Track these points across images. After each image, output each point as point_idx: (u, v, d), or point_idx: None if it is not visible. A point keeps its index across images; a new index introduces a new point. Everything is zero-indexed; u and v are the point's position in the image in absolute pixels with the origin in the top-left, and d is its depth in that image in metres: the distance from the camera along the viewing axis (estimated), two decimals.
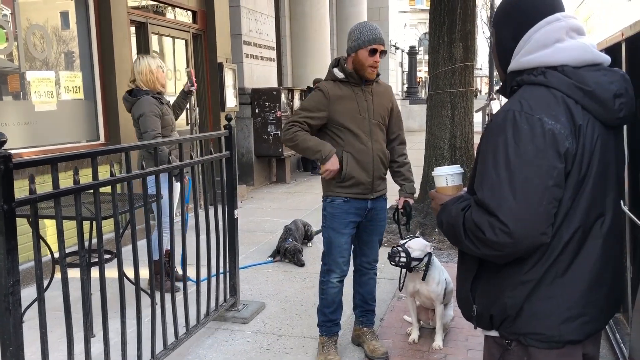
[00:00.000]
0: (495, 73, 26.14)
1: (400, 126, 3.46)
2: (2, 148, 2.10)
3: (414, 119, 22.25)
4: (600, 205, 1.52)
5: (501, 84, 1.69)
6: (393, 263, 3.40)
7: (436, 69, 6.47)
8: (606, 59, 1.55)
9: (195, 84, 4.99)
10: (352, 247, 3.45)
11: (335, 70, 3.25)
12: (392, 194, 3.52)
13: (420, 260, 3.41)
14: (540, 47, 1.51)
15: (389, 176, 3.41)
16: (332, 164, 3.12)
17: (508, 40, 1.60)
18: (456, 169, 1.76)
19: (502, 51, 1.64)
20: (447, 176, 1.74)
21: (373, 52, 3.11)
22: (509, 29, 1.60)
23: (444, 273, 3.58)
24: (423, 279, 3.44)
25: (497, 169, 1.43)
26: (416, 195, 6.52)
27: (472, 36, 6.48)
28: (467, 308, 1.66)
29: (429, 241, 3.64)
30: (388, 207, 3.54)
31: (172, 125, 4.57)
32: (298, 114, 3.24)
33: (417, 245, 3.43)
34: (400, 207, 3.41)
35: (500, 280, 1.54)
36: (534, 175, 1.40)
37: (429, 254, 3.45)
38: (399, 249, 3.39)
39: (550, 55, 1.50)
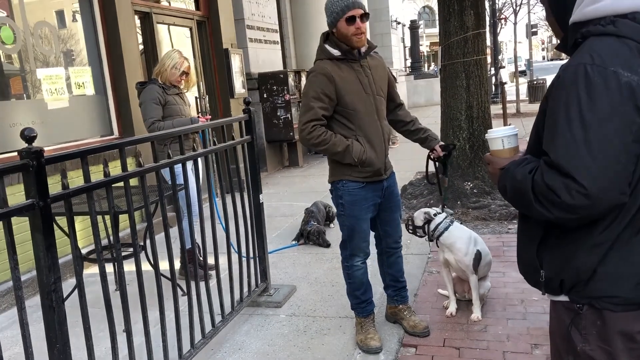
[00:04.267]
0: (500, 41, 25.78)
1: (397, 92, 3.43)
2: (33, 144, 2.05)
3: (420, 94, 22.02)
4: None
5: (558, 41, 1.59)
6: (410, 231, 3.67)
7: (448, 39, 6.33)
8: None
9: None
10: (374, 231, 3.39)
11: (328, 47, 3.02)
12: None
13: (421, 228, 3.58)
14: None
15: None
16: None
17: None
18: (512, 129, 1.67)
19: (561, 2, 1.53)
20: (504, 138, 1.65)
21: (351, 19, 2.91)
22: None
23: (474, 244, 3.52)
24: (431, 240, 3.60)
25: (571, 128, 1.34)
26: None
27: (482, 2, 6.34)
28: (533, 274, 1.59)
29: (450, 214, 3.69)
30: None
31: (182, 115, 4.53)
32: (311, 109, 2.95)
33: (418, 214, 3.64)
34: (440, 154, 3.29)
35: (571, 243, 1.47)
36: (612, 132, 1.31)
37: (428, 222, 3.56)
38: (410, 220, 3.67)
39: (620, 2, 1.39)
